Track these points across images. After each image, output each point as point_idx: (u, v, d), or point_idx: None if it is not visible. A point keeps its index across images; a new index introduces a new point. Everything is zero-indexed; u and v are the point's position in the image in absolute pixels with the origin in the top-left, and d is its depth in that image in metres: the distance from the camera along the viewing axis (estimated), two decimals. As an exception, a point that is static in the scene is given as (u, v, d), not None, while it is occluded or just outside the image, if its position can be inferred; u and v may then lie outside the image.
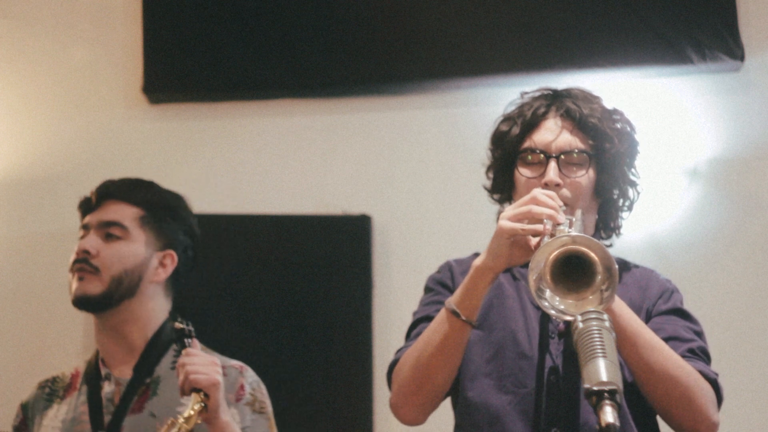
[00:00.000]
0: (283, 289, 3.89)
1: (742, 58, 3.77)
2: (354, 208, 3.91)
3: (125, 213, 2.77)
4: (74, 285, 2.72)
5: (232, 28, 4.04)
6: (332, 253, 3.90)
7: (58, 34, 4.13)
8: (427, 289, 2.42)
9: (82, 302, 2.72)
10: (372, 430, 3.76)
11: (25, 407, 2.80)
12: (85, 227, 2.79)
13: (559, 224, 2.10)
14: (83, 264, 2.71)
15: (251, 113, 4.06)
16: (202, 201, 3.91)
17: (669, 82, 3.85)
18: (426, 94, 3.99)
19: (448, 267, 2.42)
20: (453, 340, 2.18)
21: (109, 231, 2.74)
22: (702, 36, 3.78)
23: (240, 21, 4.04)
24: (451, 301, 2.18)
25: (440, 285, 2.39)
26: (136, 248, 2.75)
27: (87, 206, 2.82)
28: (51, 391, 2.78)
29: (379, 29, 4.00)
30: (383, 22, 4.00)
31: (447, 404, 2.36)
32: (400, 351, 2.32)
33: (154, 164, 3.98)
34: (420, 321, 2.34)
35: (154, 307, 2.77)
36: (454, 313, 2.16)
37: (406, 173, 3.96)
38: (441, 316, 2.20)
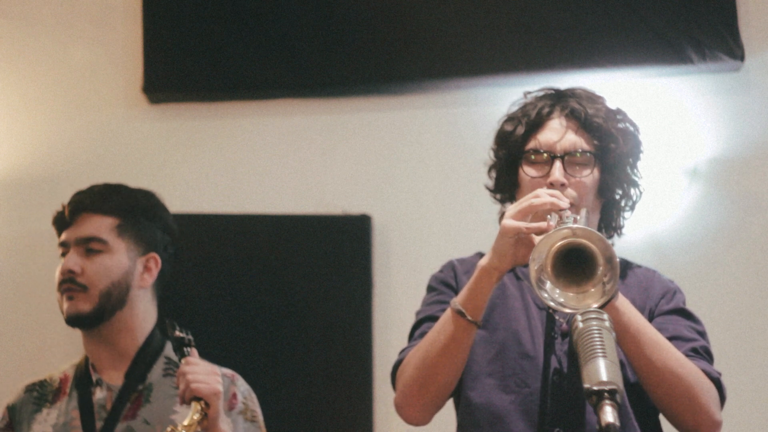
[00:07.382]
0: (283, 289, 3.88)
1: (742, 58, 3.77)
2: (354, 208, 3.90)
3: (101, 225, 2.75)
4: (65, 304, 2.72)
5: (232, 28, 4.03)
6: (332, 253, 3.89)
7: (58, 34, 4.12)
8: (430, 289, 2.42)
9: (75, 321, 2.72)
10: (372, 430, 3.76)
11: (11, 409, 2.78)
12: (64, 245, 2.77)
13: (562, 210, 2.10)
14: (70, 284, 2.71)
15: (251, 113, 4.05)
16: (202, 201, 3.93)
17: (669, 82, 3.84)
18: (426, 94, 3.99)
19: (451, 266, 2.42)
20: (458, 340, 2.18)
21: (89, 246, 2.73)
22: (702, 36, 3.77)
23: (240, 21, 4.03)
24: (457, 301, 2.18)
25: (443, 284, 2.39)
26: (119, 259, 2.74)
27: (61, 222, 2.80)
28: (39, 395, 2.77)
29: (379, 29, 4.00)
30: (383, 22, 4.00)
31: (449, 404, 2.36)
32: (404, 351, 2.32)
33: (154, 164, 3.98)
34: (424, 321, 2.34)
35: (143, 312, 2.77)
36: (460, 313, 2.16)
37: (406, 173, 3.96)
38: (446, 316, 2.20)
